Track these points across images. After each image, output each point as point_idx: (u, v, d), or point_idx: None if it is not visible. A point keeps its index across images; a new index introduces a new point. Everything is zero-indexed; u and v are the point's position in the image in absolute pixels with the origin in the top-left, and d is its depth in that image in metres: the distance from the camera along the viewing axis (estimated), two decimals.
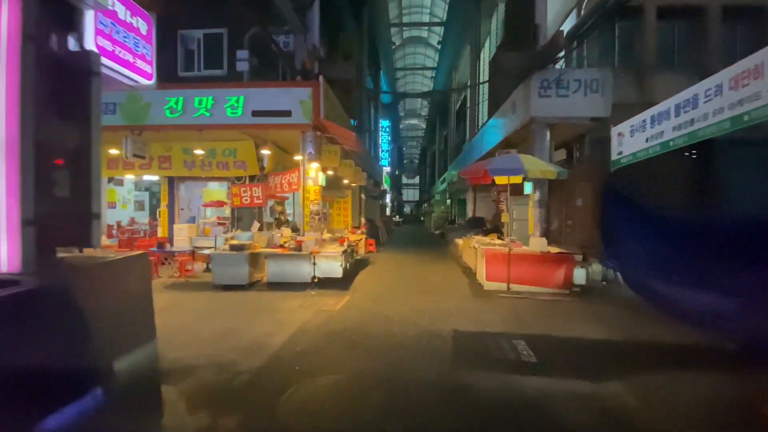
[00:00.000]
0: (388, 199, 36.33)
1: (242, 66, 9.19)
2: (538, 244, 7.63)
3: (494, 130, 12.09)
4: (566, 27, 8.93)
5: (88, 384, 2.09)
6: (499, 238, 10.61)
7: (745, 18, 9.95)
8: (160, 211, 11.20)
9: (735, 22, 9.99)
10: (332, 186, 13.93)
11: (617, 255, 7.72)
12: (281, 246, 7.97)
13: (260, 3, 9.07)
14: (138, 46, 2.92)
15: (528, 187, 8.62)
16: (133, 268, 2.53)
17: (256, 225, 9.34)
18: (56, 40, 2.44)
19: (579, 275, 7.30)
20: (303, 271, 7.56)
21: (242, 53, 9.19)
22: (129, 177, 11.36)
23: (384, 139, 34.37)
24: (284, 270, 7.60)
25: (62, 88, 2.37)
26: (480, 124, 17.63)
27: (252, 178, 10.11)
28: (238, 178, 10.24)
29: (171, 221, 10.92)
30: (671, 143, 6.54)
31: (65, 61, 2.44)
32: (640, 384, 3.64)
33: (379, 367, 3.87)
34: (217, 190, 11.50)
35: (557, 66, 8.79)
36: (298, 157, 8.83)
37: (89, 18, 2.60)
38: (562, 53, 8.13)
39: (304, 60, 8.66)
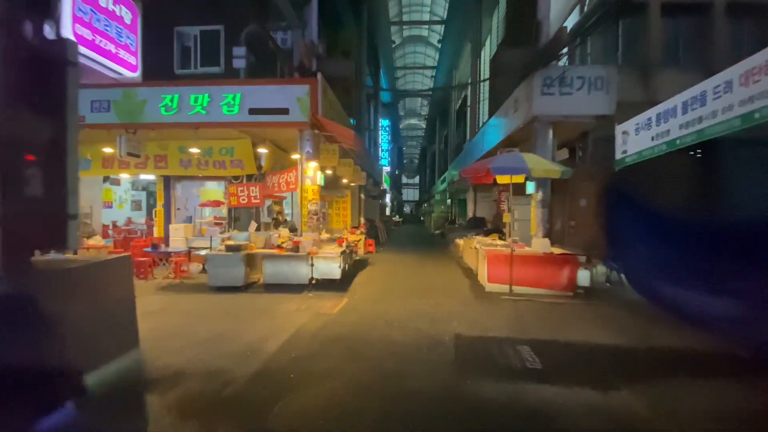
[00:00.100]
0: (387, 198, 36.16)
1: (239, 63, 9.02)
2: (541, 245, 7.45)
3: (495, 129, 11.92)
4: (569, 23, 8.76)
5: (57, 398, 1.92)
6: (500, 238, 10.43)
7: (751, 15, 9.77)
8: (156, 211, 11.03)
9: (741, 18, 9.81)
10: (331, 185, 13.78)
11: (621, 256, 7.55)
12: (279, 246, 7.80)
13: None
14: (121, 36, 2.76)
15: (530, 187, 8.45)
16: (112, 272, 2.36)
17: (254, 225, 9.18)
18: (29, 27, 2.26)
19: (583, 277, 7.12)
20: (300, 272, 7.39)
21: (239, 50, 9.02)
22: (124, 176, 11.18)
23: (384, 138, 34.21)
24: (281, 271, 7.43)
25: (35, 79, 2.20)
26: (481, 123, 17.45)
27: (249, 177, 9.94)
28: (236, 178, 10.08)
29: (167, 221, 10.75)
30: (678, 142, 6.38)
31: (39, 49, 2.26)
32: (649, 392, 3.48)
33: (378, 375, 3.69)
34: (214, 190, 11.34)
35: (560, 63, 8.61)
36: (296, 156, 8.66)
37: (66, 4, 2.41)
38: (565, 50, 7.95)
39: (302, 57, 8.48)
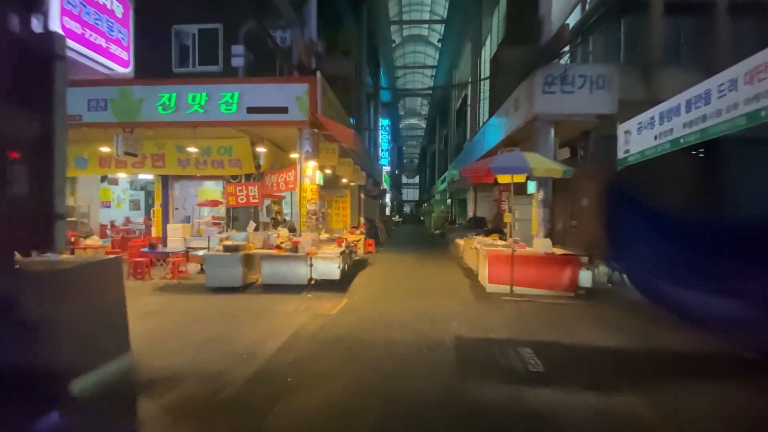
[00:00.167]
0: (387, 198, 36.08)
1: (237, 61, 8.92)
2: (542, 245, 7.38)
3: (495, 128, 11.84)
4: (570, 21, 8.68)
5: (44, 405, 1.84)
6: (500, 238, 10.36)
7: (754, 13, 9.69)
8: (153, 211, 10.95)
9: (743, 17, 9.73)
10: (331, 185, 13.70)
11: (623, 256, 7.47)
12: (277, 247, 7.72)
13: None
14: (112, 30, 2.67)
15: (531, 187, 8.37)
16: (102, 274, 2.28)
17: (252, 225, 9.09)
18: (16, 20, 2.18)
19: (585, 277, 7.05)
20: (299, 272, 7.31)
21: (237, 48, 8.93)
22: (122, 176, 11.10)
23: (384, 138, 34.13)
24: (280, 272, 7.35)
25: (21, 73, 2.12)
26: (481, 122, 17.37)
27: (248, 176, 9.86)
28: (234, 177, 9.99)
29: (165, 221, 10.66)
30: (681, 140, 6.29)
31: (25, 42, 2.18)
32: (653, 395, 3.40)
33: (377, 379, 3.61)
34: (213, 189, 11.25)
35: (561, 62, 8.53)
36: (294, 155, 8.57)
37: None
38: (567, 48, 7.87)
39: (301, 55, 8.40)
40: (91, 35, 2.51)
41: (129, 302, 6.25)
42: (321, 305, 6.17)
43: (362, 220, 17.43)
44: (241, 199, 9.31)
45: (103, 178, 11.67)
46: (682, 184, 7.79)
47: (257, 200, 9.32)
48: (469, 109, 20.56)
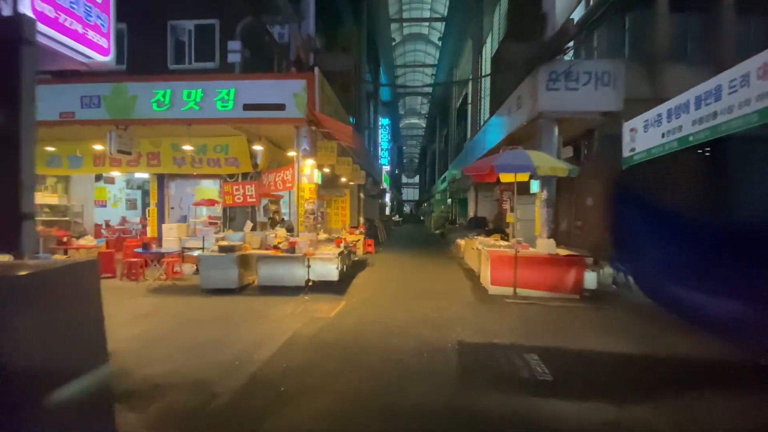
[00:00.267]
0: (387, 198, 35.90)
1: (234, 57, 8.72)
2: (546, 245, 7.19)
3: (497, 127, 11.64)
4: (573, 17, 8.48)
5: (5, 427, 1.65)
6: (502, 238, 10.18)
7: (761, 8, 9.49)
8: (149, 210, 10.75)
9: (750, 13, 9.54)
10: (330, 184, 13.50)
11: (629, 258, 7.29)
12: (274, 247, 7.52)
13: None
14: (90, 15, 2.47)
15: (535, 186, 8.17)
16: (75, 279, 2.08)
17: (249, 225, 8.90)
18: None
19: (590, 279, 6.87)
20: (296, 274, 7.12)
21: (234, 44, 8.73)
22: (116, 174, 10.90)
23: (383, 137, 33.94)
24: (277, 273, 7.16)
25: None
26: (482, 121, 17.18)
27: (245, 175, 9.67)
28: (231, 176, 9.80)
29: (160, 220, 10.47)
30: (691, 138, 6.09)
31: None
32: (668, 406, 3.22)
33: (376, 388, 3.42)
34: (210, 189, 11.06)
35: (565, 58, 8.33)
36: (292, 154, 8.37)
37: None
38: (572, 43, 7.68)
39: (298, 51, 8.19)
40: (66, 20, 2.31)
41: (121, 304, 6.14)
42: (318, 308, 5.98)
43: (362, 219, 17.24)
44: (238, 199, 9.13)
45: (99, 177, 11.47)
46: (690, 183, 7.61)
47: (254, 199, 9.14)
48: (469, 107, 20.37)
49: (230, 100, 7.83)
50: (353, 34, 16.62)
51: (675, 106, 6.46)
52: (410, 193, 65.86)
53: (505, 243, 8.70)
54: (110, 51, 2.69)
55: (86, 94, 8.15)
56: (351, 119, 14.88)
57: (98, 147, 9.14)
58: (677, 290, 5.66)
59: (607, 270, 7.50)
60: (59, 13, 2.30)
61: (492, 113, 13.17)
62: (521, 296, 6.73)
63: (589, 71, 7.90)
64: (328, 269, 7.22)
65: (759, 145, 7.17)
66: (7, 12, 2.20)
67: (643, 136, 7.28)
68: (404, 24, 27.54)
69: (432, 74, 32.55)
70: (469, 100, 20.62)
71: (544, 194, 8.03)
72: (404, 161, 61.61)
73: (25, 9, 2.19)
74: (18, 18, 2.06)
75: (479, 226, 15.20)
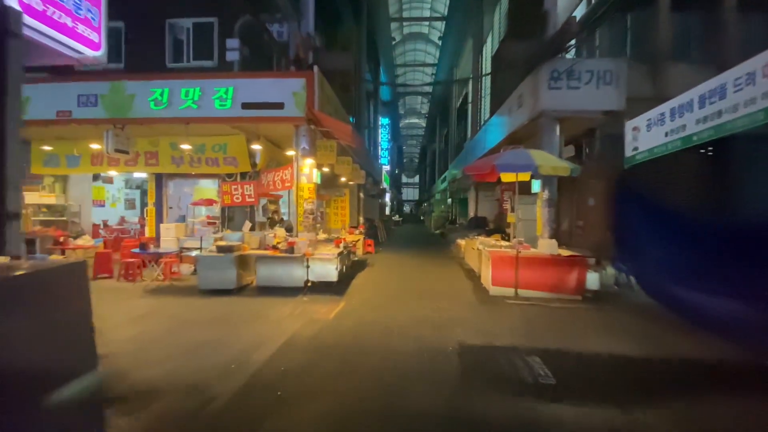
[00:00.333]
0: (387, 198, 35.81)
1: (232, 56, 8.64)
2: (547, 246, 7.10)
3: (498, 126, 11.56)
4: (575, 15, 8.40)
5: None
6: (502, 238, 10.11)
7: (764, 7, 9.41)
8: (147, 210, 10.67)
9: (753, 11, 9.46)
10: (329, 184, 13.43)
11: (632, 258, 7.22)
12: (273, 247, 7.44)
13: None
14: (80, 9, 2.39)
15: (536, 185, 8.09)
16: (63, 281, 2.01)
17: (248, 225, 8.82)
18: None
19: (592, 280, 6.79)
20: (295, 274, 7.04)
21: (232, 42, 8.65)
22: (113, 173, 10.81)
23: (383, 137, 33.85)
24: (275, 273, 7.08)
25: None
26: (482, 121, 17.10)
27: (243, 175, 9.59)
28: (229, 176, 9.72)
29: (159, 220, 10.39)
30: (695, 137, 6.02)
31: None
32: (675, 411, 3.15)
33: (375, 392, 3.34)
34: (209, 188, 10.98)
35: (567, 56, 8.26)
36: (291, 153, 8.30)
37: None
38: (574, 41, 7.60)
39: (298, 49, 8.12)
40: (54, 13, 2.23)
41: (118, 305, 6.06)
42: (317, 309, 5.90)
43: (361, 219, 17.16)
44: (237, 198, 9.06)
45: (97, 177, 11.39)
46: (692, 182, 7.53)
47: (253, 199, 9.06)
48: (470, 106, 20.28)
49: (228, 98, 7.76)
50: (353, 33, 16.54)
51: (678, 104, 6.38)
52: (410, 193, 65.79)
53: (506, 243, 8.62)
54: (101, 45, 2.62)
55: (83, 92, 8.09)
56: (351, 119, 14.80)
57: (96, 146, 9.06)
58: (680, 291, 5.58)
59: (610, 270, 7.42)
60: (47, 5, 2.22)
61: (492, 113, 13.10)
62: (522, 297, 6.66)
63: (591, 70, 7.82)
64: (328, 270, 7.15)
65: (763, 144, 7.10)
66: None
67: (646, 136, 7.20)
68: (404, 23, 27.47)
69: (432, 74, 32.47)
70: (470, 99, 20.55)
71: (546, 194, 7.95)
72: (404, 161, 61.54)
73: (11, 1, 2.11)
74: (3, 10, 1.98)
75: (479, 226, 15.12)
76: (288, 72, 8.38)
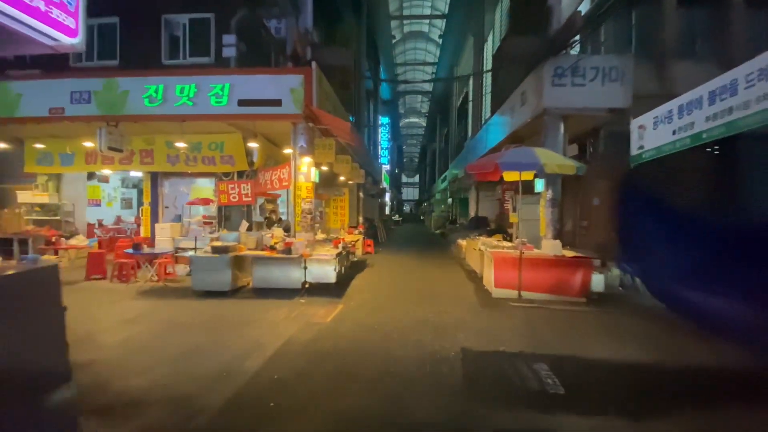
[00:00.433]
0: (387, 197, 35.62)
1: (229, 52, 8.44)
2: (551, 247, 6.91)
3: (499, 125, 11.37)
4: (581, 9, 8.19)
5: None
6: (504, 239, 9.92)
7: None
8: (142, 210, 10.48)
9: (760, 7, 9.27)
10: (329, 183, 13.24)
11: (637, 259, 7.03)
12: (270, 248, 7.24)
13: None
14: None
15: (539, 185, 7.90)
16: (31, 288, 1.82)
17: (245, 225, 8.63)
18: None
19: (597, 281, 6.61)
20: (292, 276, 6.85)
21: (229, 38, 8.45)
22: (107, 172, 10.63)
23: (383, 136, 33.65)
24: (272, 275, 6.89)
25: None
26: (484, 119, 16.91)
27: (240, 174, 9.40)
28: (226, 174, 9.53)
29: (154, 220, 10.20)
30: (704, 135, 5.85)
31: None
32: (690, 422, 2.97)
33: (374, 403, 3.15)
34: (207, 188, 10.79)
35: (571, 53, 8.06)
36: (289, 151, 8.11)
37: None
38: (578, 37, 7.41)
39: (295, 45, 7.92)
40: None
41: (108, 307, 5.87)
42: (314, 312, 5.71)
43: (361, 219, 16.97)
44: (234, 198, 8.86)
45: (92, 176, 11.20)
46: (701, 181, 7.34)
47: (250, 198, 8.87)
48: (470, 105, 20.07)
49: (224, 95, 7.57)
50: (352, 31, 16.34)
51: (687, 101, 6.20)
52: (410, 193, 65.62)
53: (509, 244, 8.43)
54: (79, 32, 2.42)
55: (76, 89, 7.92)
56: (351, 117, 14.60)
57: (89, 144, 8.90)
58: (687, 293, 5.41)
59: (615, 272, 7.25)
60: None
61: (494, 111, 12.91)
62: (526, 299, 6.47)
63: (597, 66, 7.63)
64: (326, 271, 6.96)
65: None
66: None
67: (653, 134, 7.02)
68: (404, 21, 27.26)
69: (432, 73, 32.27)
70: (470, 98, 20.34)
71: (549, 193, 7.76)
72: (404, 160, 61.36)
73: None
74: None
75: (480, 226, 14.94)
76: (285, 68, 8.19)
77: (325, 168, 10.26)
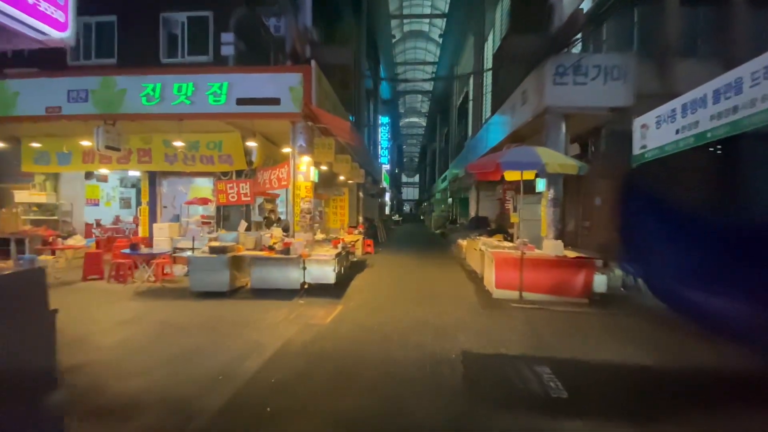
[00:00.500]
0: (387, 197, 35.55)
1: (227, 50, 8.36)
2: (553, 247, 6.84)
3: (500, 124, 11.30)
4: (583, 7, 8.12)
5: None
6: (504, 239, 9.85)
7: None
8: (140, 209, 10.41)
9: (763, 6, 9.20)
10: (328, 183, 13.17)
11: (640, 259, 6.96)
12: (269, 248, 7.17)
13: None
14: None
15: (541, 184, 7.83)
16: (15, 292, 1.75)
17: (244, 225, 8.56)
18: None
19: (599, 282, 6.54)
20: (291, 276, 6.78)
21: (227, 36, 8.37)
22: (105, 171, 10.54)
23: (383, 136, 33.57)
24: (270, 275, 6.81)
25: None
26: (484, 119, 16.84)
27: (239, 173, 9.33)
28: (224, 174, 9.45)
29: (152, 220, 10.13)
30: (709, 134, 5.76)
31: None
32: (698, 427, 2.90)
33: (374, 406, 3.08)
34: (206, 187, 10.72)
35: (573, 51, 7.98)
36: (288, 150, 8.03)
37: None
38: (580, 35, 7.33)
39: (294, 43, 7.84)
40: None
41: (105, 308, 5.80)
42: (313, 313, 5.64)
43: (361, 219, 16.89)
44: (232, 197, 8.79)
45: (90, 175, 11.12)
46: (705, 180, 7.28)
47: (249, 198, 8.79)
48: (471, 103, 19.99)
49: (223, 94, 7.50)
50: (352, 30, 16.26)
51: (691, 100, 6.12)
52: (410, 193, 65.54)
53: (510, 244, 8.36)
54: (69, 26, 2.34)
55: (73, 87, 7.85)
56: (351, 117, 14.52)
57: (86, 143, 8.82)
58: (691, 293, 5.33)
59: (617, 273, 7.17)
60: None
61: (494, 111, 12.84)
62: (528, 300, 6.40)
63: (599, 65, 7.56)
64: (325, 271, 6.89)
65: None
66: None
67: (656, 133, 6.94)
68: (404, 21, 27.18)
69: (432, 72, 32.17)
70: (470, 97, 20.27)
71: (551, 193, 7.68)
72: (404, 160, 61.28)
73: None
74: None
75: (481, 226, 14.87)
76: (284, 66, 8.11)
77: (324, 167, 10.19)
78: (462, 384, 3.48)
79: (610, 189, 8.04)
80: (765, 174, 7.08)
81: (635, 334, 5.03)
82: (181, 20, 9.78)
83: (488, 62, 17.31)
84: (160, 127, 8.51)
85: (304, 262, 6.80)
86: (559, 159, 6.11)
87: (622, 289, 7.18)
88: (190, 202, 9.67)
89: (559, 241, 6.92)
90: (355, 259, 10.71)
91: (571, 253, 6.87)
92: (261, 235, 7.90)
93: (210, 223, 9.69)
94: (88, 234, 10.85)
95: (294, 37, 7.89)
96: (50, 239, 8.67)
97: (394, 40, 27.25)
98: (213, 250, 6.69)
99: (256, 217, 10.10)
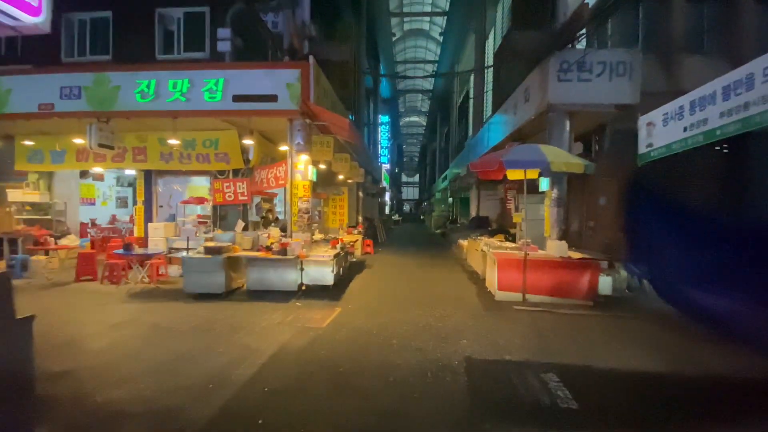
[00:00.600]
0: (387, 197, 35.38)
1: (224, 46, 8.20)
2: (557, 248, 6.67)
3: (501, 123, 11.12)
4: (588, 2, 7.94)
5: None
6: (506, 239, 9.68)
7: None
8: (135, 209, 10.24)
9: None
10: (327, 182, 12.99)
11: (645, 260, 6.79)
12: (266, 249, 7.00)
13: None
14: None
15: (544, 184, 7.65)
16: None
17: (241, 224, 8.39)
18: None
19: (604, 284, 6.37)
20: (288, 278, 6.61)
21: (224, 32, 8.20)
22: (99, 170, 10.37)
23: (383, 135, 33.39)
24: (267, 277, 6.65)
25: None
26: (485, 118, 16.65)
27: (236, 171, 9.16)
28: (221, 172, 9.29)
29: (148, 219, 9.96)
30: (718, 132, 5.58)
31: None
32: None
33: (371, 417, 2.90)
34: (204, 186, 10.55)
35: (577, 47, 7.81)
36: (286, 149, 7.86)
37: None
38: (584, 31, 7.16)
39: (292, 38, 7.66)
40: None
41: (96, 311, 5.63)
42: (310, 316, 5.46)
43: (360, 219, 16.72)
44: (229, 197, 8.63)
45: (86, 174, 10.95)
46: (712, 180, 7.10)
47: (246, 197, 8.64)
48: (472, 102, 19.80)
49: (219, 90, 7.32)
50: (352, 27, 16.05)
51: (699, 97, 5.94)
52: (410, 192, 65.34)
53: (512, 244, 8.19)
54: (42, 11, 2.17)
55: (66, 84, 7.68)
56: (350, 116, 14.34)
57: (80, 141, 8.64)
58: (698, 295, 5.17)
59: (622, 274, 7.00)
60: None
61: (495, 109, 12.65)
62: (531, 302, 6.23)
63: (604, 61, 7.38)
64: (323, 273, 6.72)
65: None
66: None
67: (662, 131, 6.77)
68: (405, 19, 26.98)
69: (433, 71, 31.96)
70: (471, 95, 20.07)
71: (555, 193, 7.51)
72: (404, 160, 61.08)
73: None
74: None
75: (482, 225, 14.70)
76: (282, 62, 7.93)
77: (323, 166, 10.02)
78: (466, 394, 3.30)
79: (614, 188, 7.89)
80: None
81: (643, 338, 4.86)
82: (177, 16, 9.63)
83: (489, 60, 17.12)
84: (156, 124, 8.34)
85: (301, 263, 6.64)
86: (564, 157, 5.93)
87: (627, 290, 7.01)
88: (186, 202, 9.50)
89: (564, 242, 6.75)
90: (354, 260, 10.54)
91: (575, 254, 6.70)
92: (258, 235, 7.73)
93: (206, 222, 9.52)
94: (83, 234, 10.69)
95: (292, 32, 7.73)
96: (43, 239, 8.50)
97: (394, 39, 27.05)
98: (208, 250, 6.53)
99: (253, 216, 9.93)
